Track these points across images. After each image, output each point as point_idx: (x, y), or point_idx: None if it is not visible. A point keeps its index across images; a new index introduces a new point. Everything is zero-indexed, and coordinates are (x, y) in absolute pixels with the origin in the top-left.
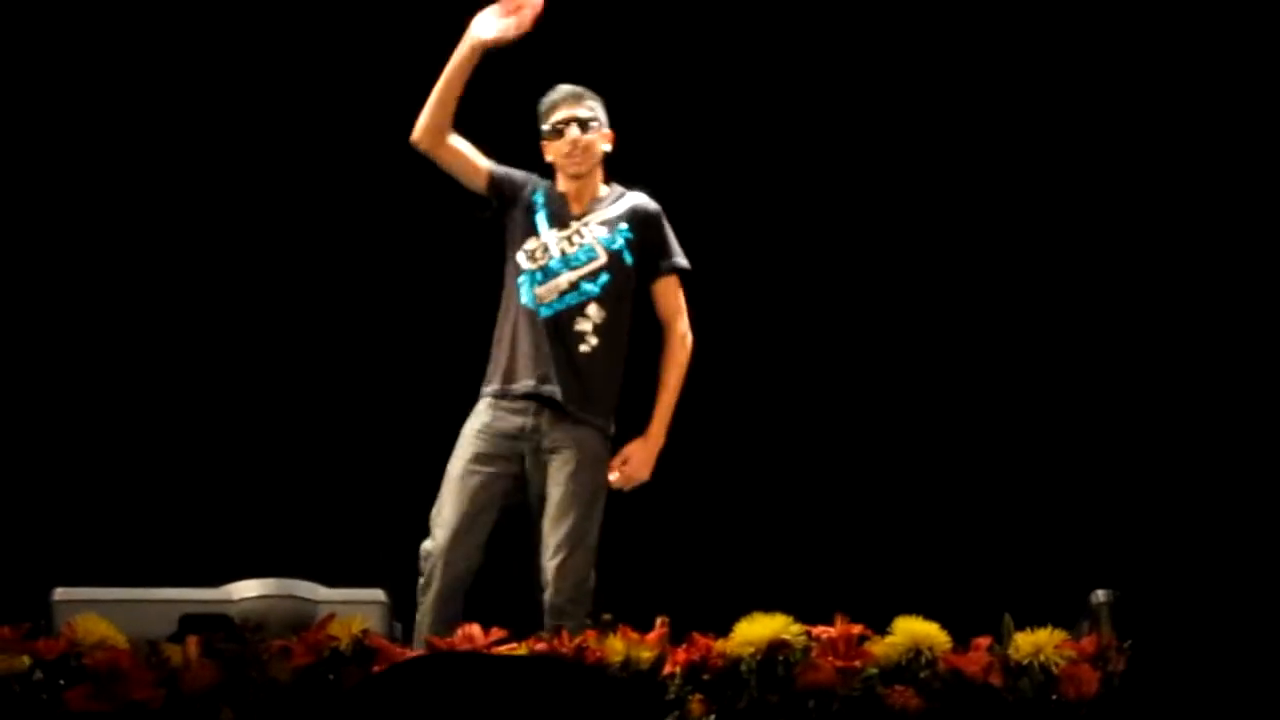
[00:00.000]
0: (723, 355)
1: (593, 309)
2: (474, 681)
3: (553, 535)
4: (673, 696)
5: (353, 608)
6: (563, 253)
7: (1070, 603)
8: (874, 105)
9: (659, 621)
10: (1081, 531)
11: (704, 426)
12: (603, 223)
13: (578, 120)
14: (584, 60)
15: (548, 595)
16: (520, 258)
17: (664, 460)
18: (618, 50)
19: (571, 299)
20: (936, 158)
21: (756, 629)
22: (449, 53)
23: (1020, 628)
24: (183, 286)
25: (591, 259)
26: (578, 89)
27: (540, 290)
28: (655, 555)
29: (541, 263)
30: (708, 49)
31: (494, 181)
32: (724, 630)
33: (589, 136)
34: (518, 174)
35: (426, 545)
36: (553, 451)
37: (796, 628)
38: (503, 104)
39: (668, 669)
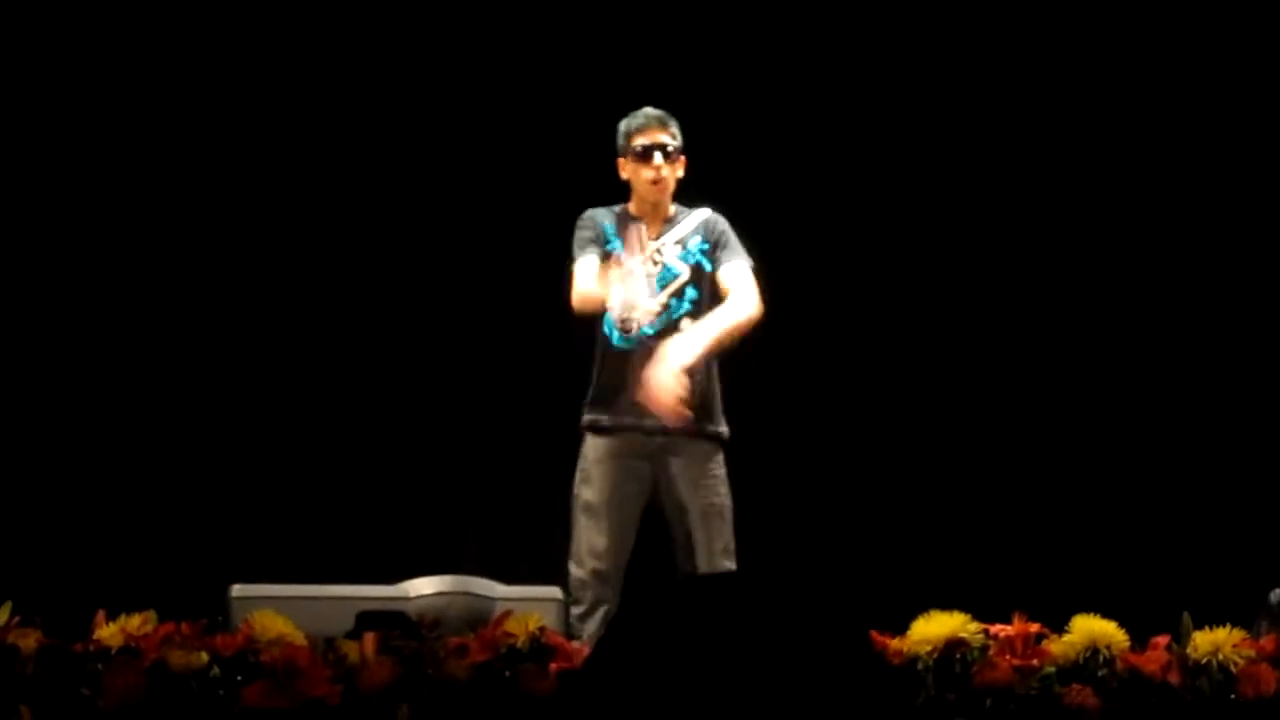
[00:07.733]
0: (908, 354)
1: (685, 324)
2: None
3: (716, 546)
4: None
5: (529, 605)
6: (647, 276)
7: (1250, 601)
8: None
9: None
10: (1261, 529)
11: (885, 423)
12: (677, 241)
13: (665, 149)
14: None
15: None
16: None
17: (844, 459)
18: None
19: (663, 320)
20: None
21: (934, 627)
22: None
23: (1199, 626)
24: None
25: (675, 277)
26: (663, 114)
27: (633, 316)
28: (833, 553)
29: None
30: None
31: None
32: (901, 628)
33: (673, 164)
34: (591, 232)
35: (579, 575)
36: (682, 472)
37: (974, 626)
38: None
39: None
